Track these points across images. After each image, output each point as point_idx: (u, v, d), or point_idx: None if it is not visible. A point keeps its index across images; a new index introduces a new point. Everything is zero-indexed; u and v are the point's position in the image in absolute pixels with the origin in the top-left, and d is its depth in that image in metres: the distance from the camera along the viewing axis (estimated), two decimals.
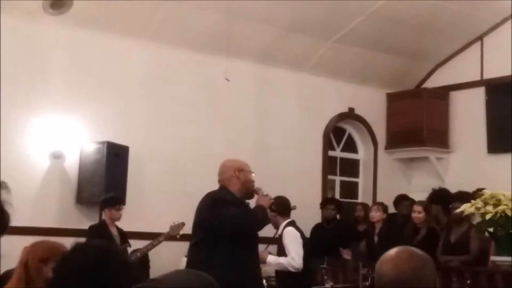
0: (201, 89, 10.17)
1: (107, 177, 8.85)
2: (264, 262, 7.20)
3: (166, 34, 9.72)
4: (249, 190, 5.89)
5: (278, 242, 7.62)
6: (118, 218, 8.50)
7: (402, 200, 10.40)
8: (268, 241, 7.74)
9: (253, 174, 5.93)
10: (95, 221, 8.67)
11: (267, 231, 7.49)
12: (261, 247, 7.51)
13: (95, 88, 9.29)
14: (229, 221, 5.55)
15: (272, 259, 7.26)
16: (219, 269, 4.92)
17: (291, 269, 7.21)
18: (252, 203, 6.01)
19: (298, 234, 7.49)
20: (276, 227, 7.51)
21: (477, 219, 8.29)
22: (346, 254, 9.70)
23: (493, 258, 8.18)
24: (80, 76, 9.18)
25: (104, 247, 2.48)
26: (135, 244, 8.59)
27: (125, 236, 8.54)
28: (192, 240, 5.87)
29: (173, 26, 9.71)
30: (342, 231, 10.25)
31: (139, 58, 9.68)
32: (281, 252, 7.40)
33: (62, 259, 2.48)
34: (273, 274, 7.38)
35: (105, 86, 9.38)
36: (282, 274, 7.30)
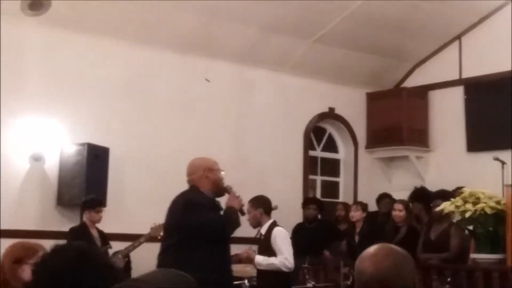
0: (181, 90, 10.16)
1: (88, 179, 8.83)
2: (252, 262, 7.11)
3: (146, 35, 9.70)
4: (220, 189, 5.80)
5: (260, 241, 7.50)
6: (98, 220, 8.48)
7: (382, 198, 10.47)
8: (247, 241, 7.71)
9: (223, 173, 5.83)
10: (76, 223, 8.64)
11: (249, 231, 7.49)
12: (243, 247, 7.51)
13: (75, 90, 9.25)
14: (206, 225, 5.49)
15: (261, 259, 7.12)
16: (197, 270, 4.90)
17: (285, 269, 7.12)
18: (222, 200, 5.93)
19: (288, 234, 7.45)
20: (257, 226, 7.41)
21: (457, 217, 8.36)
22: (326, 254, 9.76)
23: (473, 255, 8.25)
24: (59, 78, 9.14)
25: (84, 249, 2.48)
26: (116, 246, 8.58)
27: (106, 237, 8.53)
28: (164, 243, 5.74)
29: (153, 27, 9.70)
30: (324, 230, 10.29)
31: (119, 59, 9.65)
32: (263, 251, 7.29)
33: (42, 261, 2.48)
34: (255, 274, 7.32)
35: (85, 88, 9.34)
36: (266, 274, 7.15)
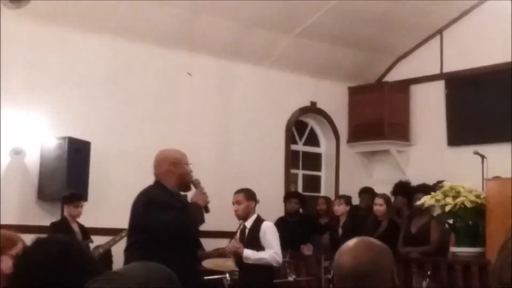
0: (163, 84, 10.15)
1: (69, 173, 8.78)
2: (240, 255, 6.97)
3: (128, 28, 9.67)
4: (186, 183, 5.59)
5: (244, 235, 7.31)
6: (78, 215, 8.44)
7: (363, 193, 10.51)
8: (224, 234, 7.64)
9: (191, 166, 5.61)
10: (57, 217, 8.60)
11: (232, 224, 7.47)
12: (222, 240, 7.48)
13: (56, 83, 9.21)
14: (166, 227, 5.29)
15: (250, 253, 6.93)
16: None
17: (275, 264, 7.06)
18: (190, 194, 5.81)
19: (276, 228, 7.34)
20: (242, 218, 7.26)
21: (437, 211, 8.42)
22: (307, 250, 9.76)
23: (452, 249, 8.31)
24: (40, 71, 9.09)
25: (66, 242, 2.48)
26: (97, 240, 8.55)
27: (87, 232, 8.50)
28: (128, 240, 5.63)
29: (135, 21, 9.67)
30: (305, 224, 10.31)
31: (101, 52, 9.61)
32: (248, 245, 7.13)
33: (24, 254, 2.48)
34: (236, 268, 7.23)
35: (66, 81, 9.30)
36: (251, 268, 6.97)
